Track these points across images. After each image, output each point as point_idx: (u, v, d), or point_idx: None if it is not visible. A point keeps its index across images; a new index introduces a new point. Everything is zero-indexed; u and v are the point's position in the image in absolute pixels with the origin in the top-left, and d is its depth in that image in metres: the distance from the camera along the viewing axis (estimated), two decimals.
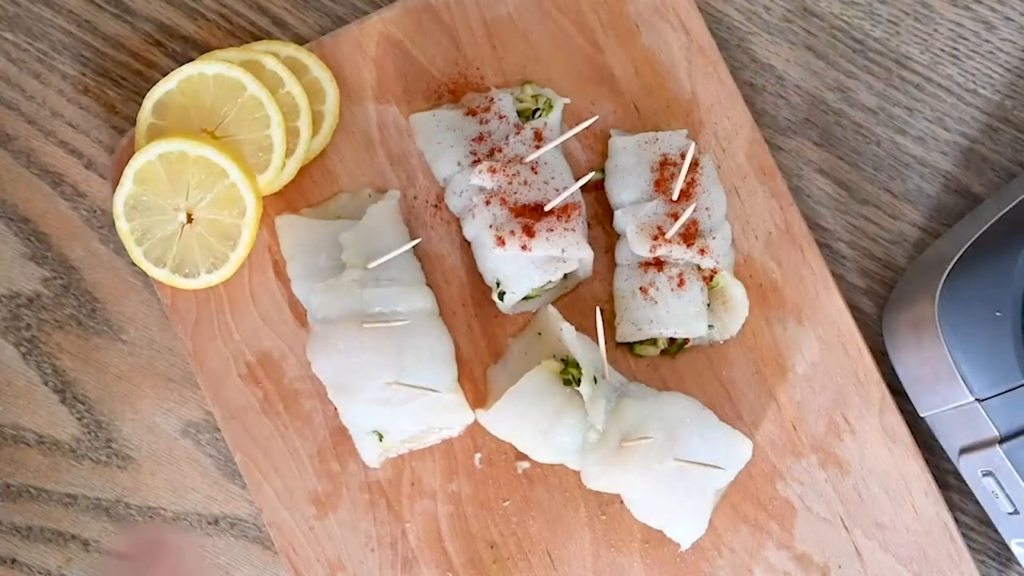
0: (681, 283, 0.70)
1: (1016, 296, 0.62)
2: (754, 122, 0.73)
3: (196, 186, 0.69)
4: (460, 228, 0.72)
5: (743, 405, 0.71)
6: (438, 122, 0.72)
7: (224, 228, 0.69)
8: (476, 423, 0.70)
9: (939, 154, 0.75)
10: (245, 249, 0.70)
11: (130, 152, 0.71)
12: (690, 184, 0.70)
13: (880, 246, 0.75)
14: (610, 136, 0.72)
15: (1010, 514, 0.66)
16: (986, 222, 0.67)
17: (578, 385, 0.68)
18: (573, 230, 0.69)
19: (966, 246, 0.66)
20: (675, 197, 0.69)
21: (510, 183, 0.69)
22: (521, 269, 0.69)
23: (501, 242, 0.68)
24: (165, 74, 0.73)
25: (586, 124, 0.68)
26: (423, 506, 0.71)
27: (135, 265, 0.74)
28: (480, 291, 0.72)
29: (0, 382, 0.74)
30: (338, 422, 0.71)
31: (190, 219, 0.69)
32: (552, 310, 0.70)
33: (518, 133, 0.71)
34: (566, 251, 0.69)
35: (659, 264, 0.70)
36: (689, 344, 0.71)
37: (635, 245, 0.69)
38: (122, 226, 0.70)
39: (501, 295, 0.70)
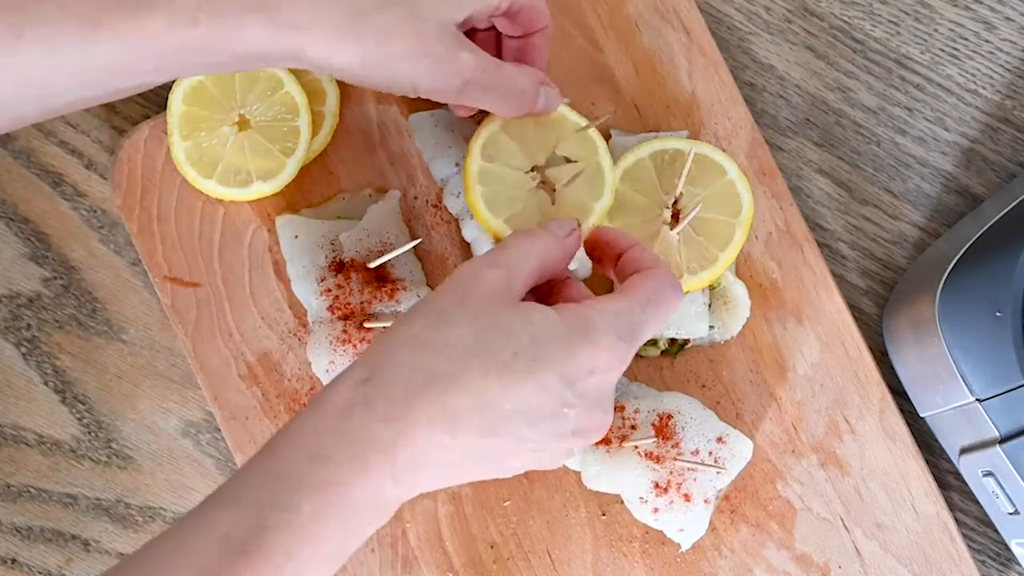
0: None
1: (1016, 296, 0.62)
2: (754, 122, 0.73)
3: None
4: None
5: (743, 405, 0.71)
6: (436, 122, 0.72)
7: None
8: None
9: (939, 154, 0.75)
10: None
11: (131, 152, 0.71)
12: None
13: (880, 246, 0.75)
14: (610, 136, 0.72)
15: (1010, 514, 0.66)
16: (986, 222, 0.67)
17: None
18: None
19: (966, 246, 0.66)
20: (676, 197, 0.69)
21: None
22: None
23: None
24: None
25: (589, 126, 0.68)
26: (423, 506, 0.71)
27: (136, 264, 0.74)
28: None
29: (0, 382, 0.74)
30: None
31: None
32: None
33: None
34: None
35: None
36: (690, 344, 0.71)
37: None
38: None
39: None
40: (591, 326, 0.54)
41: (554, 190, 0.67)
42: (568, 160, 0.67)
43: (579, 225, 0.60)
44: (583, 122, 0.67)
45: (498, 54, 0.66)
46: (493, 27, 0.65)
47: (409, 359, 0.52)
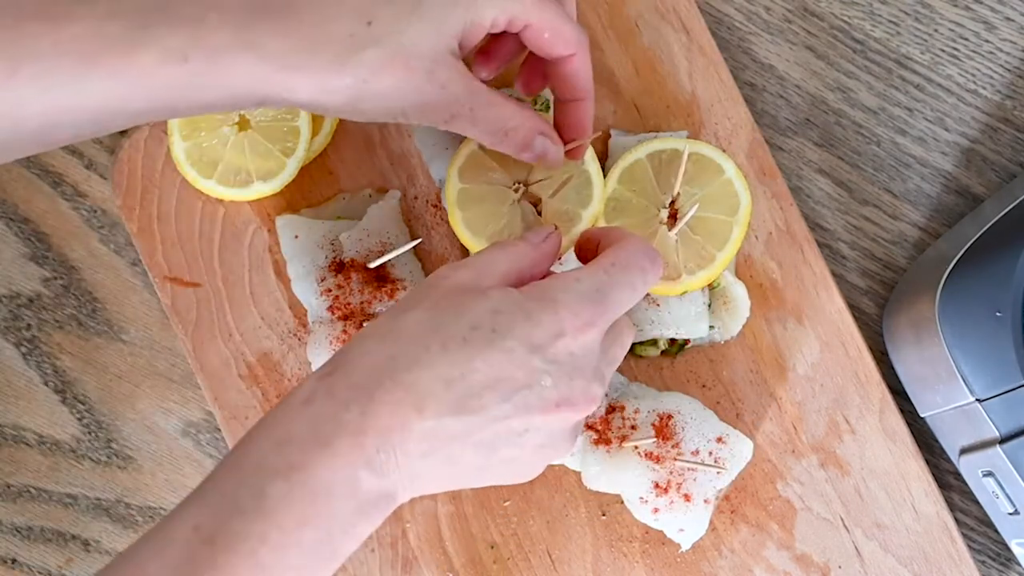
0: None
1: (1016, 296, 0.62)
2: (754, 122, 0.73)
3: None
4: None
5: (743, 405, 0.71)
6: None
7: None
8: None
9: (939, 154, 0.75)
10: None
11: (131, 152, 0.71)
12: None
13: (880, 246, 0.75)
14: (610, 136, 0.72)
15: (1010, 514, 0.66)
16: (986, 222, 0.67)
17: None
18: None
19: (966, 246, 0.66)
20: (674, 196, 0.69)
21: None
22: None
23: None
24: None
25: (595, 135, 0.68)
26: (423, 506, 0.71)
27: (136, 264, 0.74)
28: None
29: (0, 382, 0.74)
30: None
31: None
32: None
33: None
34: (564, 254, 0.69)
35: None
36: (690, 344, 0.71)
37: None
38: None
39: None
40: (551, 292, 0.53)
41: (539, 202, 0.67)
42: (549, 176, 0.68)
43: (556, 229, 0.60)
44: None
45: (532, 76, 0.66)
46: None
47: (370, 347, 0.52)
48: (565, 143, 0.63)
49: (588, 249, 0.61)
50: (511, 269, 0.56)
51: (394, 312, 0.54)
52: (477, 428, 0.52)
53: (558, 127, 0.64)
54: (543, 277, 0.57)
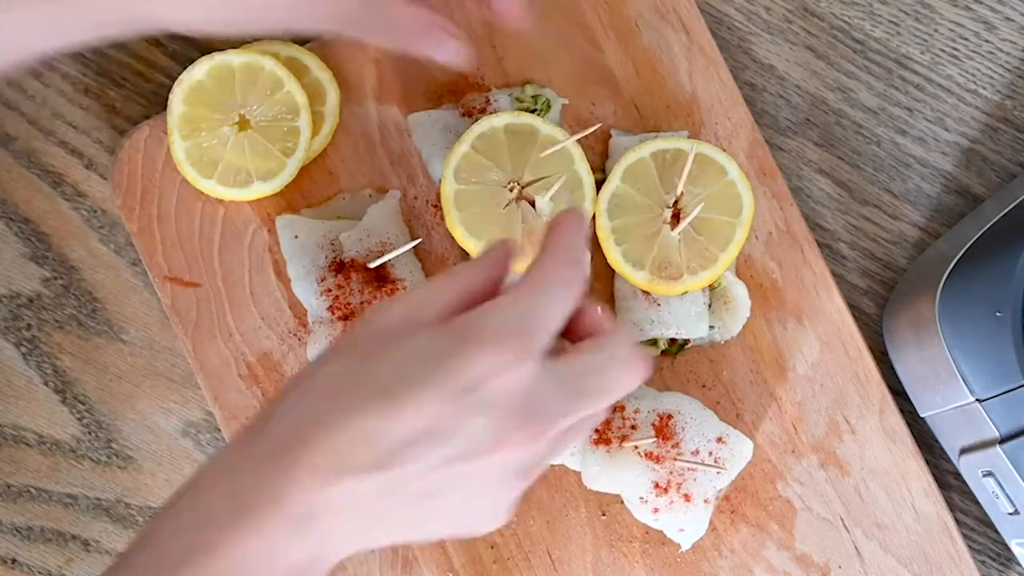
0: None
1: (1016, 296, 0.62)
2: (754, 122, 0.73)
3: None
4: None
5: (743, 405, 0.71)
6: (434, 122, 0.72)
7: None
8: None
9: (939, 154, 0.75)
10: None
11: (131, 152, 0.71)
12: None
13: (880, 246, 0.75)
14: (610, 136, 0.72)
15: (1010, 514, 0.66)
16: (986, 222, 0.67)
17: None
18: None
19: (966, 246, 0.66)
20: (677, 196, 0.69)
21: None
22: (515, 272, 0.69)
23: None
24: (166, 74, 0.73)
25: (590, 131, 0.68)
26: None
27: (136, 264, 0.74)
28: None
29: (0, 382, 0.74)
30: None
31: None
32: None
33: None
34: None
35: None
36: (690, 344, 0.71)
37: None
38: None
39: None
40: (476, 328, 0.49)
41: (533, 204, 0.67)
42: (543, 177, 0.68)
43: (507, 242, 0.55)
44: (558, 134, 0.68)
45: None
46: None
47: (289, 407, 0.50)
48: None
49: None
50: (457, 298, 0.52)
51: (317, 365, 0.51)
52: (405, 482, 0.48)
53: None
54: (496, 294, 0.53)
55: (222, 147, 0.69)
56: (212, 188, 0.70)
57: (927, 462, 0.71)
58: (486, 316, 0.50)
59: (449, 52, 0.59)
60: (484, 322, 0.49)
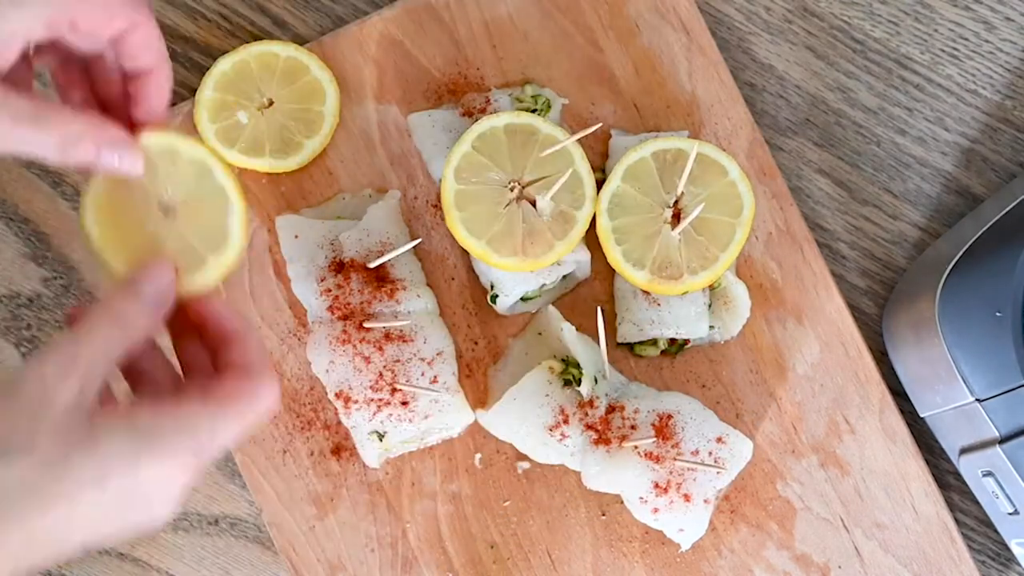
0: None
1: (1016, 296, 0.62)
2: (754, 122, 0.73)
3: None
4: None
5: (743, 405, 0.71)
6: (434, 122, 0.72)
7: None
8: (477, 423, 0.71)
9: (939, 154, 0.75)
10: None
11: None
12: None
13: (880, 246, 0.75)
14: (610, 136, 0.72)
15: (1010, 514, 0.66)
16: (986, 222, 0.67)
17: (579, 385, 0.68)
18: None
19: (966, 246, 0.66)
20: (677, 196, 0.69)
21: None
22: (515, 272, 0.69)
23: None
24: None
25: (590, 130, 0.68)
26: (423, 506, 0.71)
27: None
28: (480, 291, 0.72)
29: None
30: (338, 422, 0.71)
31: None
32: (553, 310, 0.70)
33: None
34: None
35: None
36: (690, 344, 0.71)
37: None
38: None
39: (494, 298, 0.70)
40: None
41: (534, 203, 0.67)
42: (544, 176, 0.68)
43: (173, 272, 0.53)
44: (558, 133, 0.68)
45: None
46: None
47: None
48: (141, 126, 0.55)
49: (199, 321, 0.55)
50: (119, 355, 0.50)
51: None
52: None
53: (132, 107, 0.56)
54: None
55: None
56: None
57: (927, 462, 0.71)
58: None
59: (125, 167, 0.54)
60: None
